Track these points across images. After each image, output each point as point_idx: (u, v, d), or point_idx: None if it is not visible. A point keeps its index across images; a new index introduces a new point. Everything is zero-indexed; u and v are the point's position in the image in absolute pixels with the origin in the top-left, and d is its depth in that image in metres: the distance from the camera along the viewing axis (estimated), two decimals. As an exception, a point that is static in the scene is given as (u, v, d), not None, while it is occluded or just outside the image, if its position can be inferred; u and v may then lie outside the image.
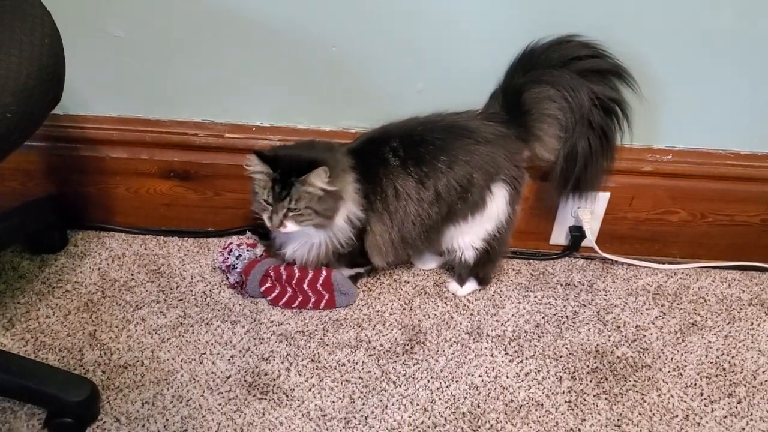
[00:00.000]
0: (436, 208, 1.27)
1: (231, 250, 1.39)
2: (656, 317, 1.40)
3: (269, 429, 1.17)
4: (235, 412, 1.20)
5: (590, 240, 1.47)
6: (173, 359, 1.28)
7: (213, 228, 1.53)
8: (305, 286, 1.34)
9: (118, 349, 1.29)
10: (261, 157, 1.19)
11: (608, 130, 1.29)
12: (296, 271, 1.34)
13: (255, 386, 1.24)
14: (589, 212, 1.45)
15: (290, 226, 1.23)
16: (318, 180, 1.18)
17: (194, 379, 1.25)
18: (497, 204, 1.30)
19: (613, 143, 1.31)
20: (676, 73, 1.30)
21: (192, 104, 1.39)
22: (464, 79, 1.32)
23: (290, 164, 1.19)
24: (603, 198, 1.43)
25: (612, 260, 1.51)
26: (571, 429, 1.19)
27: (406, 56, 1.30)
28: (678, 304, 1.43)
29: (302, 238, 1.30)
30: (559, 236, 1.51)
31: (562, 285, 1.47)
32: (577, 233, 1.48)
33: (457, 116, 1.29)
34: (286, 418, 1.19)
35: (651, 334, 1.37)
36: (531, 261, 1.52)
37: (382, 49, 1.29)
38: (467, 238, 1.34)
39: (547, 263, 1.52)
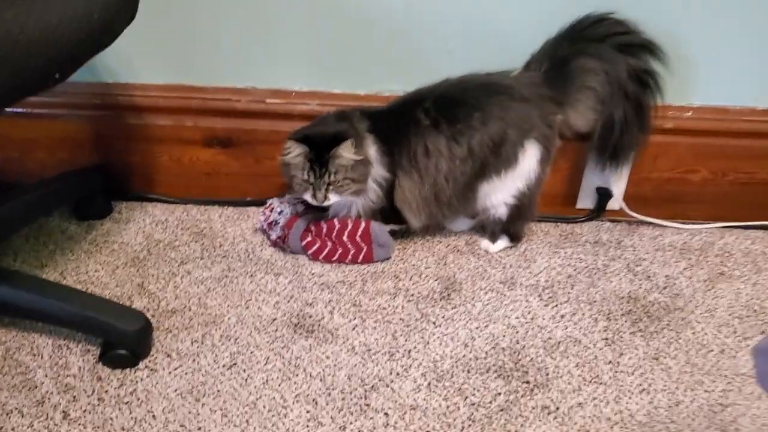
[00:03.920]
0: (470, 164, 1.33)
1: (273, 208, 1.45)
2: (684, 269, 1.44)
3: (316, 362, 1.20)
4: (282, 348, 1.23)
5: (617, 198, 1.53)
6: (219, 305, 1.32)
7: (252, 198, 1.58)
8: (345, 237, 1.40)
9: (165, 297, 1.33)
10: (297, 140, 1.28)
11: (642, 99, 1.36)
12: (336, 223, 1.40)
13: (300, 326, 1.28)
14: (616, 174, 1.50)
15: (333, 198, 1.32)
16: (346, 152, 1.27)
17: (241, 321, 1.28)
18: (528, 162, 1.36)
19: (646, 112, 1.38)
20: (693, 30, 1.37)
21: (235, 71, 1.47)
22: (494, 40, 1.40)
23: (321, 142, 1.28)
24: (627, 157, 1.49)
25: (638, 221, 1.56)
26: (610, 362, 1.22)
27: (436, 16, 1.38)
28: (705, 257, 1.48)
29: (341, 203, 1.38)
30: (586, 199, 1.57)
31: (590, 243, 1.51)
32: (604, 193, 1.53)
33: (492, 76, 1.36)
34: (332, 353, 1.22)
35: (681, 282, 1.41)
36: (559, 224, 1.57)
37: (412, 8, 1.38)
38: (499, 195, 1.40)
39: (574, 225, 1.57)
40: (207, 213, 1.57)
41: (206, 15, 1.41)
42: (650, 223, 1.56)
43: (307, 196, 1.32)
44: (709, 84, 1.44)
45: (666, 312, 1.33)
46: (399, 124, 1.33)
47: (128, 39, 1.40)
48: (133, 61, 1.46)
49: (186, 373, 1.18)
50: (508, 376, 1.19)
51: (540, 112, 1.34)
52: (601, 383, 1.18)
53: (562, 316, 1.32)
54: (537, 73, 1.36)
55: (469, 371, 1.20)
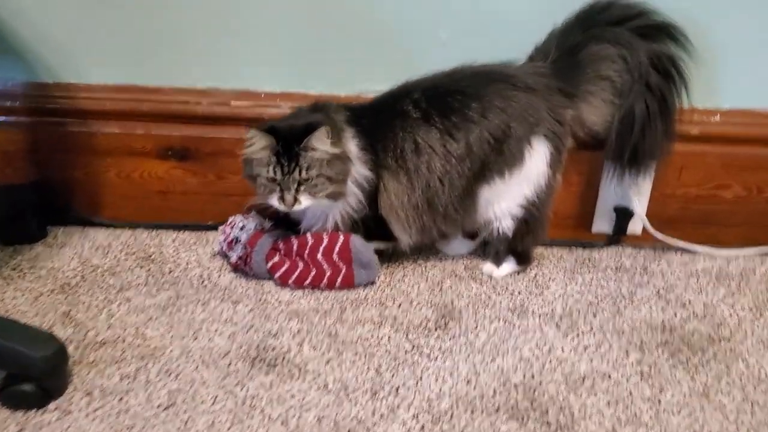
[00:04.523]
0: (468, 164, 1.12)
1: (234, 225, 1.22)
2: (724, 296, 1.21)
3: (277, 402, 0.95)
4: (235, 385, 0.97)
5: (639, 218, 1.31)
6: (162, 336, 1.07)
7: (213, 221, 1.35)
8: (319, 255, 1.16)
9: (95, 327, 1.08)
10: (262, 130, 1.07)
11: (666, 92, 1.17)
12: (309, 238, 1.17)
13: (260, 360, 1.02)
14: (636, 188, 1.29)
15: (305, 201, 1.09)
16: (320, 143, 1.06)
17: (186, 354, 1.03)
18: (536, 162, 1.15)
19: (672, 109, 1.18)
20: (720, 19, 1.19)
21: (195, 69, 1.27)
22: (493, 30, 1.22)
23: (289, 133, 1.07)
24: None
25: (664, 245, 1.33)
26: (649, 399, 0.97)
27: (427, 3, 1.21)
28: (746, 284, 1.25)
29: (315, 211, 1.15)
30: (603, 222, 1.34)
31: (612, 269, 1.28)
32: (623, 213, 1.31)
33: (491, 65, 1.17)
34: (299, 390, 0.97)
35: (722, 310, 1.17)
36: (573, 249, 1.34)
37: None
38: (504, 204, 1.18)
39: (591, 251, 1.34)
40: (158, 237, 1.33)
41: (163, 4, 1.22)
42: (679, 248, 1.34)
43: (273, 200, 1.09)
44: (739, 83, 1.25)
45: (710, 342, 1.09)
46: (383, 117, 1.13)
47: (72, 31, 1.24)
48: (77, 57, 1.26)
49: (109, 415, 0.91)
50: (523, 417, 0.93)
51: (548, 105, 1.14)
52: (641, 424, 0.93)
53: (585, 348, 1.07)
54: (543, 63, 1.17)
55: (473, 411, 0.94)
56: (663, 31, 1.16)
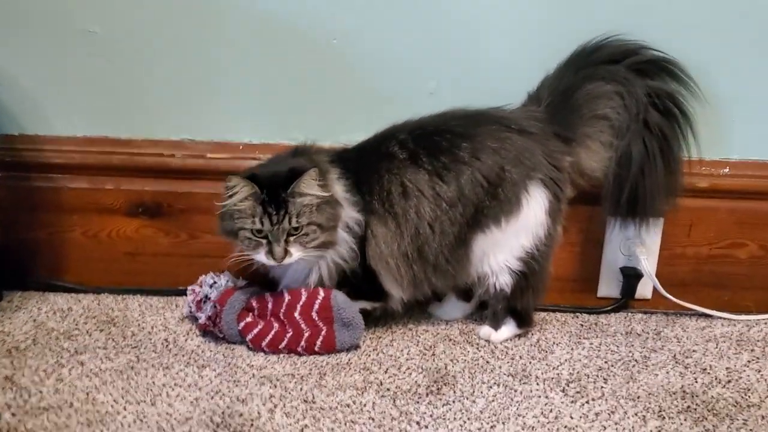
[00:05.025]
0: (460, 209, 1.04)
1: (204, 282, 1.11)
2: (749, 361, 1.09)
3: (242, 473, 0.81)
4: (194, 454, 0.84)
5: (648, 280, 1.20)
6: (115, 401, 0.94)
7: (185, 286, 1.22)
8: (297, 314, 1.04)
9: (40, 392, 0.95)
10: (243, 177, 0.98)
11: (668, 131, 1.10)
12: (286, 295, 1.05)
13: (224, 426, 0.89)
14: (644, 246, 1.19)
15: (296, 253, 0.99)
16: (309, 187, 0.98)
17: (141, 420, 0.90)
18: (534, 210, 1.06)
19: (675, 148, 1.11)
20: (727, 63, 1.14)
21: (169, 119, 1.20)
22: (482, 79, 1.17)
23: (274, 179, 0.99)
24: (655, 225, 1.19)
25: (678, 310, 1.22)
26: (675, 471, 0.83)
27: (414, 53, 1.16)
28: (772, 349, 1.13)
29: (298, 266, 1.05)
30: (609, 284, 1.24)
31: (622, 333, 1.17)
32: (631, 274, 1.21)
33: (482, 109, 1.10)
34: (266, 460, 0.83)
35: (748, 375, 1.05)
36: (578, 314, 1.23)
37: (389, 41, 1.16)
38: (501, 256, 1.08)
39: (598, 316, 1.22)
40: (124, 301, 1.22)
41: (135, 52, 1.17)
42: (693, 313, 1.22)
43: (260, 256, 0.99)
44: (748, 133, 1.18)
45: (738, 409, 0.96)
46: (368, 159, 1.05)
47: (39, 80, 1.18)
48: (45, 108, 1.20)
49: (40, 488, 0.78)
50: (530, 491, 0.79)
51: (544, 150, 1.06)
52: (669, 499, 0.79)
53: (597, 414, 0.94)
54: (537, 107, 1.11)
55: (470, 484, 0.80)
56: (660, 68, 1.10)
